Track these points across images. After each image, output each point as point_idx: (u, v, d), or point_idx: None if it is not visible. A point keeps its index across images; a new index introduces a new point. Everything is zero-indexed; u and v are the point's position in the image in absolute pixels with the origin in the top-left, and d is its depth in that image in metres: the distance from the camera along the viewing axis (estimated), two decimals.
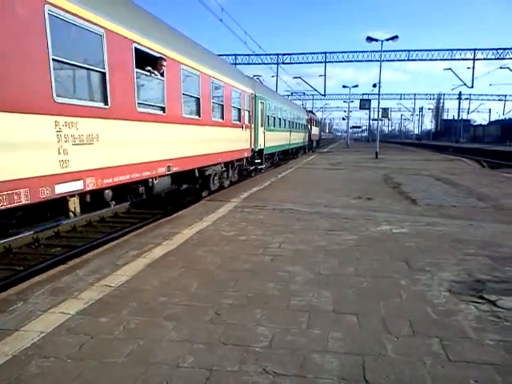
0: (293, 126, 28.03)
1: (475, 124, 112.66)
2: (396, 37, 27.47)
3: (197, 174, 10.66)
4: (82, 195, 6.32)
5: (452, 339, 3.12)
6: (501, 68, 48.65)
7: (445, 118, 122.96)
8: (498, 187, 12.19)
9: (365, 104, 39.30)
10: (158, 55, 8.01)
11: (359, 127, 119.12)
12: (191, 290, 4.11)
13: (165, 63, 8.21)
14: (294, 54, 45.35)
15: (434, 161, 25.63)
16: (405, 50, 43.41)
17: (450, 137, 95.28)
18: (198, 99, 10.11)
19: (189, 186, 11.22)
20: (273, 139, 20.41)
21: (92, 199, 6.70)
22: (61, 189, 5.55)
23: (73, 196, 6.05)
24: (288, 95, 55.24)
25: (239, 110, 14.07)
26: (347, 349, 3.00)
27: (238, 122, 13.91)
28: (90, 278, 4.45)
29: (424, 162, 23.88)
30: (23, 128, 4.87)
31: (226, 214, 7.99)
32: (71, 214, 6.20)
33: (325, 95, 50.28)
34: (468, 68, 45.09)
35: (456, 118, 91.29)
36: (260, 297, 3.95)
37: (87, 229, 8.85)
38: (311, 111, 51.15)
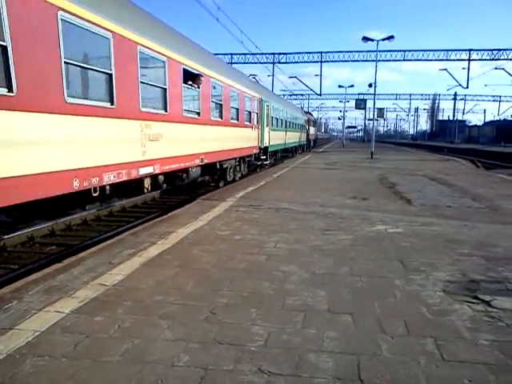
0: (293, 127, 29.99)
1: (470, 125, 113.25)
2: (392, 37, 27.56)
3: (218, 167, 12.87)
4: (151, 177, 8.52)
5: (446, 339, 3.14)
6: (496, 69, 48.92)
7: (440, 118, 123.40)
8: (492, 188, 12.26)
9: (360, 104, 39.36)
10: (197, 72, 10.22)
11: (355, 127, 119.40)
12: (186, 289, 4.11)
13: (202, 78, 10.42)
14: (290, 53, 45.41)
15: (429, 161, 25.75)
16: (400, 50, 43.58)
17: (445, 137, 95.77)
18: (221, 105, 12.28)
19: (209, 178, 13.29)
20: (276, 138, 22.32)
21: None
22: (142, 171, 7.80)
23: (146, 177, 8.33)
24: (283, 94, 55.46)
25: (250, 112, 16.21)
26: (342, 348, 3.01)
27: (248, 123, 16.09)
28: (85, 277, 4.43)
29: (419, 162, 23.98)
30: (126, 129, 7.19)
31: (222, 214, 7.98)
32: (145, 190, 8.56)
33: (320, 95, 50.28)
34: (463, 68, 45.37)
35: (451, 118, 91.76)
36: (255, 296, 3.95)
37: (82, 227, 8.82)
38: (309, 112, 52.81)
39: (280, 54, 45.38)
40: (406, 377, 2.67)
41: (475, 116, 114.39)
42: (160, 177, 8.97)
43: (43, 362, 2.80)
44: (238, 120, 14.36)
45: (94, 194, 6.48)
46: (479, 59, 43.33)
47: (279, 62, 45.50)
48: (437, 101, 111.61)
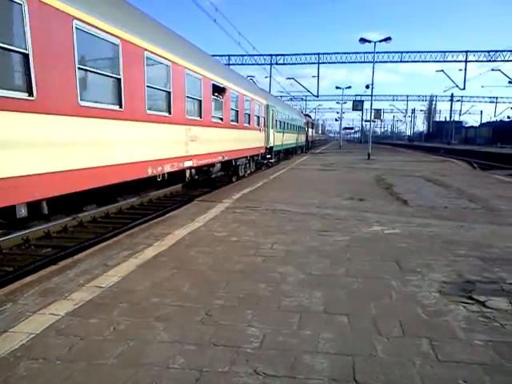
0: (294, 129, 32.45)
1: (467, 126, 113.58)
2: (389, 38, 27.63)
3: (233, 163, 15.31)
4: (189, 169, 10.97)
5: (441, 340, 3.15)
6: (492, 70, 48.95)
7: (437, 119, 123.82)
8: (488, 188, 12.29)
9: (358, 105, 39.44)
10: (222, 86, 12.74)
11: (352, 128, 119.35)
12: (183, 291, 4.10)
13: (225, 90, 13.03)
14: (287, 54, 45.52)
15: (425, 162, 25.80)
16: (398, 52, 43.74)
17: (442, 138, 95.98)
18: (237, 111, 14.78)
19: (222, 173, 15.43)
20: (280, 139, 24.86)
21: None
22: (186, 164, 10.21)
23: (187, 169, 10.76)
24: (281, 96, 55.60)
25: (258, 117, 18.72)
26: (338, 349, 3.01)
27: (257, 126, 18.61)
28: (81, 279, 4.42)
29: (416, 164, 24.03)
30: (178, 132, 9.69)
31: (218, 215, 7.98)
32: (187, 179, 11.20)
33: (318, 96, 50.40)
34: (460, 70, 45.50)
35: (448, 119, 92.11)
36: (251, 298, 3.95)
37: (78, 229, 8.79)
38: (307, 114, 53.92)
39: (277, 55, 45.49)
40: (401, 377, 2.67)
41: (472, 117, 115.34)
42: (193, 170, 11.36)
43: (38, 364, 2.79)
44: (249, 123, 16.81)
45: (159, 179, 8.99)
46: (476, 60, 43.55)
47: (276, 64, 45.61)
48: (434, 102, 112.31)
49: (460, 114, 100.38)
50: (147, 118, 7.98)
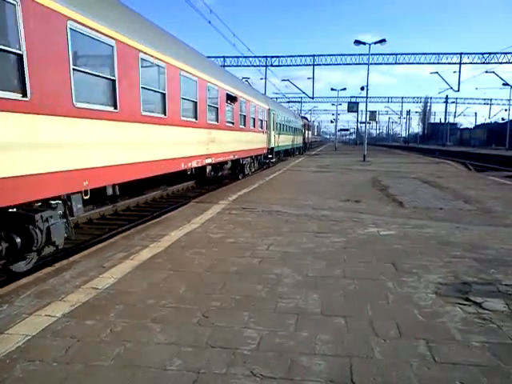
0: (293, 131, 34.10)
1: (462, 127, 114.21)
2: (384, 40, 27.73)
3: (241, 162, 17.14)
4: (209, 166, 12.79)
5: (438, 341, 3.15)
6: (486, 72, 49.27)
7: (432, 121, 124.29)
8: (484, 190, 12.36)
9: (353, 107, 39.45)
10: (234, 95, 14.49)
11: (347, 130, 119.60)
12: (179, 293, 4.09)
13: (237, 99, 14.87)
14: (282, 56, 45.47)
15: (420, 164, 25.90)
16: (392, 54, 43.78)
17: (437, 140, 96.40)
18: (244, 116, 16.67)
19: (227, 172, 16.63)
20: (280, 141, 26.58)
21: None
22: (207, 161, 11.95)
23: (207, 166, 12.47)
24: (276, 98, 55.76)
25: (261, 120, 20.61)
26: (335, 351, 3.01)
27: (261, 129, 20.53)
28: (77, 281, 4.40)
29: (411, 165, 24.11)
30: (202, 134, 11.53)
31: (215, 216, 7.97)
32: (207, 174, 13.19)
33: (313, 98, 50.44)
34: (454, 72, 45.62)
35: (443, 121, 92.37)
36: (248, 299, 3.95)
37: (74, 230, 8.73)
38: (305, 117, 55.48)
39: (272, 57, 45.45)
40: (398, 379, 2.68)
41: (466, 119, 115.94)
42: (210, 167, 13.13)
43: (34, 366, 2.78)
44: (254, 126, 18.72)
45: (188, 173, 10.80)
46: (470, 63, 43.73)
47: (272, 65, 45.56)
48: (428, 104, 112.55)
49: (455, 116, 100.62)
50: (183, 124, 10.03)
